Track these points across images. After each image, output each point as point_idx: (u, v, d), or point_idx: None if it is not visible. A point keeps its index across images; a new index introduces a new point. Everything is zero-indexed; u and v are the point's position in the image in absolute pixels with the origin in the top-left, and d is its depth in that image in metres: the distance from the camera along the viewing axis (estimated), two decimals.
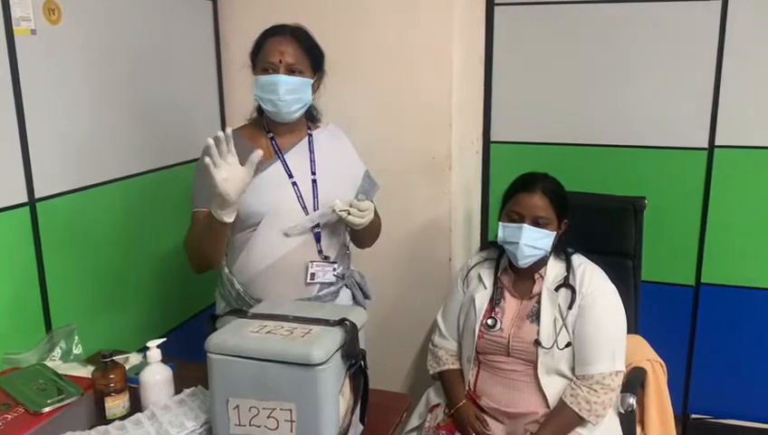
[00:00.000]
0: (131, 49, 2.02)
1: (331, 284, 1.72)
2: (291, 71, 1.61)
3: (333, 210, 1.61)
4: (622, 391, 1.81)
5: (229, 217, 1.50)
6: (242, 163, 1.46)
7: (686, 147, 2.46)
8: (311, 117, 1.78)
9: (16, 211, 1.66)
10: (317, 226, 1.68)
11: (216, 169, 1.42)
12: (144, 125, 2.09)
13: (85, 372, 1.56)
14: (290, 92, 1.61)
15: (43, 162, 1.72)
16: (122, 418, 1.41)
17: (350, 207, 1.63)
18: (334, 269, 1.71)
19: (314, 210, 1.67)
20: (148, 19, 2.08)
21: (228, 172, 1.44)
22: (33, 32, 1.66)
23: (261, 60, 1.63)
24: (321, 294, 1.70)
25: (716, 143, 2.43)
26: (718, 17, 2.34)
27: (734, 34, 2.33)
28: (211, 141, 1.42)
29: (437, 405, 1.92)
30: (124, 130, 2.01)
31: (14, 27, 1.60)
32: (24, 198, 1.68)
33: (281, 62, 1.60)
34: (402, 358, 2.52)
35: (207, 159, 1.41)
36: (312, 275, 1.68)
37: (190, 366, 1.61)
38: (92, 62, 1.87)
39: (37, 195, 1.71)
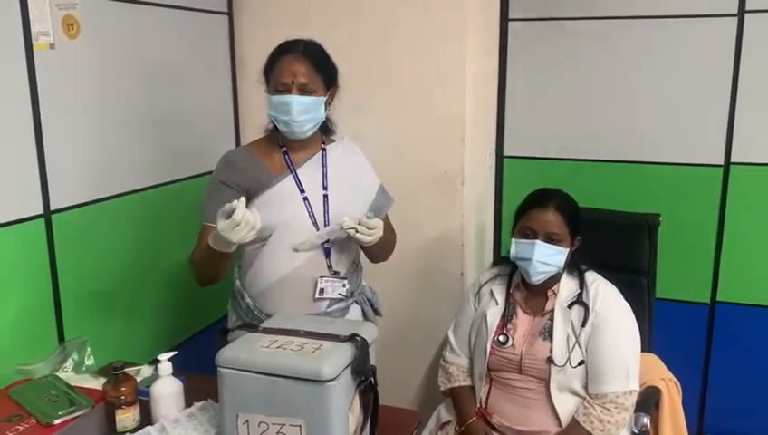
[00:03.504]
0: (148, 63, 2.04)
1: (340, 300, 1.71)
2: (304, 91, 1.61)
3: (342, 227, 1.61)
4: (636, 411, 1.78)
5: (229, 249, 1.51)
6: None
7: (701, 163, 2.44)
8: (325, 129, 1.78)
9: (32, 223, 1.67)
10: (327, 241, 1.67)
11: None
12: (159, 139, 2.11)
13: (97, 383, 1.57)
14: (303, 112, 1.61)
15: (60, 174, 1.74)
16: (132, 431, 1.41)
17: (359, 224, 1.61)
18: (344, 285, 1.70)
19: (325, 225, 1.67)
20: (164, 33, 2.10)
21: (239, 229, 1.44)
22: (52, 46, 1.68)
23: (274, 79, 1.63)
24: (330, 310, 1.70)
25: (732, 160, 2.41)
26: (734, 34, 2.33)
27: (750, 51, 2.32)
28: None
29: (448, 422, 1.90)
30: (139, 144, 2.03)
31: (33, 42, 1.63)
32: (40, 210, 1.70)
33: (293, 82, 1.60)
34: (413, 373, 2.51)
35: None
36: (322, 290, 1.67)
37: (201, 379, 1.60)
38: (109, 77, 1.89)
39: (53, 207, 1.72)
